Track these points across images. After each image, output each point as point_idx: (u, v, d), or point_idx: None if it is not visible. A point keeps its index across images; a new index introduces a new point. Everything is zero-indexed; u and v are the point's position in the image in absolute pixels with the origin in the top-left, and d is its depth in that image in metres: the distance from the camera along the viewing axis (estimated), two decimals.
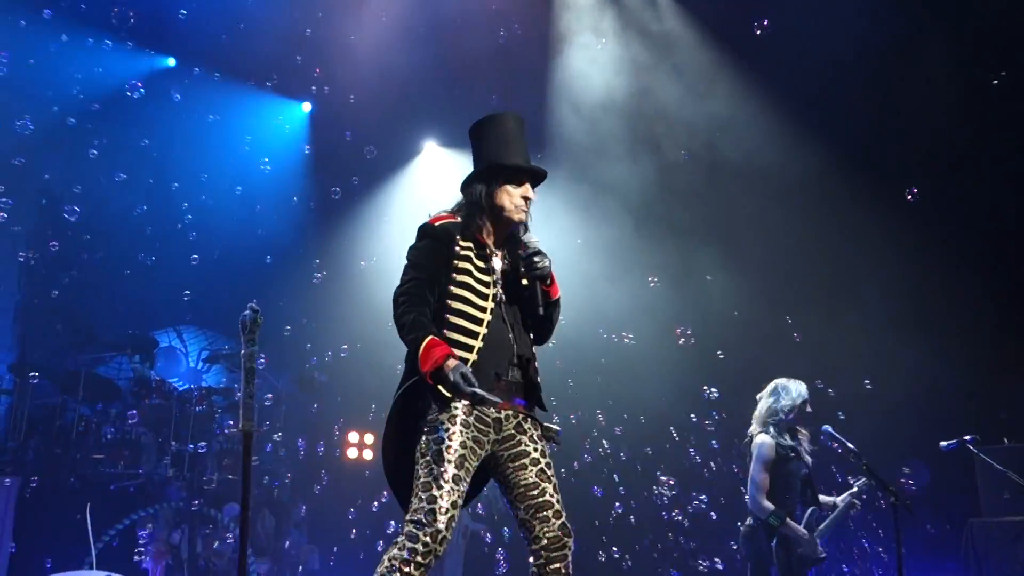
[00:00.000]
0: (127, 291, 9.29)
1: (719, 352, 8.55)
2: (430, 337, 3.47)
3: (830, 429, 6.05)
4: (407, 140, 11.16)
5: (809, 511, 5.95)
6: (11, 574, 7.37)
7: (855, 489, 6.16)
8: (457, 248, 3.66)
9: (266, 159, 10.04)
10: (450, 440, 3.46)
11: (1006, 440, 7.27)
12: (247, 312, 3.44)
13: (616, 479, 9.09)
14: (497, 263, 3.75)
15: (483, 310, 3.63)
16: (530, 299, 3.74)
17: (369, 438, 10.23)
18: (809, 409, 6.02)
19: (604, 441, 9.02)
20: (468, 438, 3.50)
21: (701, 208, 9.80)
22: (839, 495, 6.24)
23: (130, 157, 9.45)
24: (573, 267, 8.94)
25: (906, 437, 8.21)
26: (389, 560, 3.39)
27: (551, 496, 3.59)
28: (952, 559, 7.63)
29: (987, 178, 8.70)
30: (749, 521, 6.00)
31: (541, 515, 3.57)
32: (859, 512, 6.37)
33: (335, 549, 9.37)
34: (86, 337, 9.22)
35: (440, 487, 3.40)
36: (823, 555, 5.84)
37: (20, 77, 8.63)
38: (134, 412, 8.19)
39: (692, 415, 8.55)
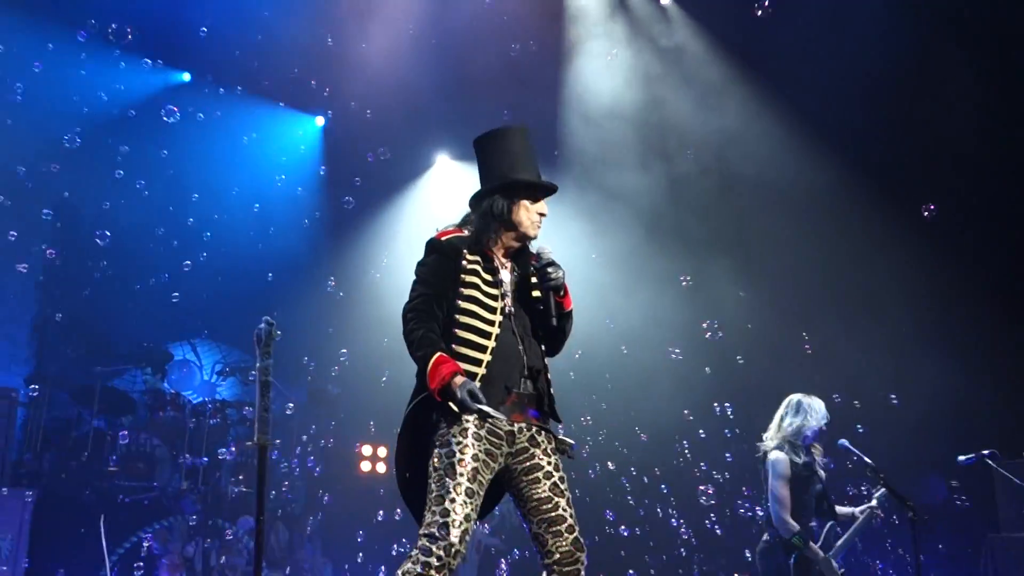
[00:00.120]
0: (142, 304, 9.33)
1: (739, 357, 8.46)
2: (438, 354, 3.48)
3: (846, 443, 6.01)
4: (419, 153, 11.19)
5: (828, 526, 5.90)
6: None
7: (874, 502, 6.10)
8: (464, 262, 3.67)
9: (282, 176, 10.10)
10: (462, 453, 3.45)
11: None
12: (262, 325, 3.46)
13: (625, 499, 9.04)
14: (505, 276, 3.76)
15: (491, 323, 3.63)
16: (543, 311, 3.74)
17: (382, 451, 10.22)
18: (825, 428, 5.98)
19: (609, 463, 8.94)
20: (480, 451, 3.49)
21: (714, 220, 9.78)
22: (856, 507, 6.18)
23: (146, 172, 9.51)
24: (584, 278, 8.92)
25: (925, 452, 8.14)
26: (403, 574, 3.38)
27: (564, 511, 3.57)
28: (970, 575, 7.56)
29: (1007, 192, 8.64)
30: (766, 537, 5.95)
31: (554, 529, 3.55)
32: (877, 525, 6.30)
33: (348, 563, 9.35)
34: (103, 350, 9.26)
35: (453, 501, 3.39)
36: (841, 572, 5.78)
37: (38, 93, 8.71)
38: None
39: (702, 431, 8.49)
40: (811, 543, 5.74)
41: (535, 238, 3.81)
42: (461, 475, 3.42)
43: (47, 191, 9.28)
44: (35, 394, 8.32)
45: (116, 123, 9.42)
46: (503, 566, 8.18)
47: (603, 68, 10.15)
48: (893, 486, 5.89)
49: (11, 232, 7.58)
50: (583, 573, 3.57)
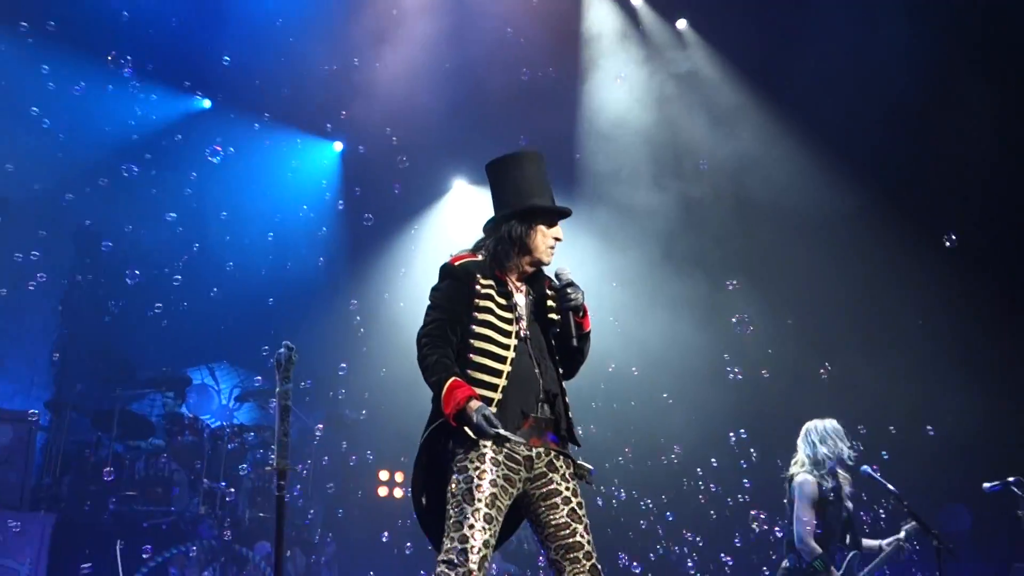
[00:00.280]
0: (162, 329, 9.37)
1: (764, 371, 8.34)
2: (452, 379, 3.48)
3: (869, 470, 5.96)
4: (437, 178, 11.23)
5: (850, 555, 5.83)
6: None
7: (902, 535, 6.02)
8: (478, 287, 3.67)
9: (305, 206, 10.17)
10: (480, 479, 3.44)
11: None
12: (282, 350, 3.46)
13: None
14: (520, 299, 3.76)
15: (506, 347, 3.62)
16: (562, 331, 3.74)
17: (399, 476, 10.20)
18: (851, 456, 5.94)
19: (622, 489, 8.86)
20: (499, 476, 3.47)
21: (731, 243, 9.74)
22: (883, 539, 6.11)
23: (166, 197, 9.59)
24: (600, 301, 8.89)
25: (949, 479, 8.04)
26: None
27: (582, 537, 3.55)
28: None
29: None
30: (786, 564, 5.90)
31: (572, 556, 3.53)
32: (906, 558, 6.22)
33: None
34: (124, 374, 9.31)
35: (472, 527, 3.37)
36: None
37: (60, 119, 8.82)
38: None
39: (713, 460, 8.40)
40: (832, 568, 5.67)
41: (549, 263, 3.82)
42: (479, 501, 3.40)
43: (68, 216, 9.39)
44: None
45: (138, 149, 9.51)
46: None
47: (618, 92, 10.18)
48: (917, 514, 5.82)
49: (33, 252, 7.64)
50: None
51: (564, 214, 3.84)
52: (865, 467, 5.97)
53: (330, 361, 9.17)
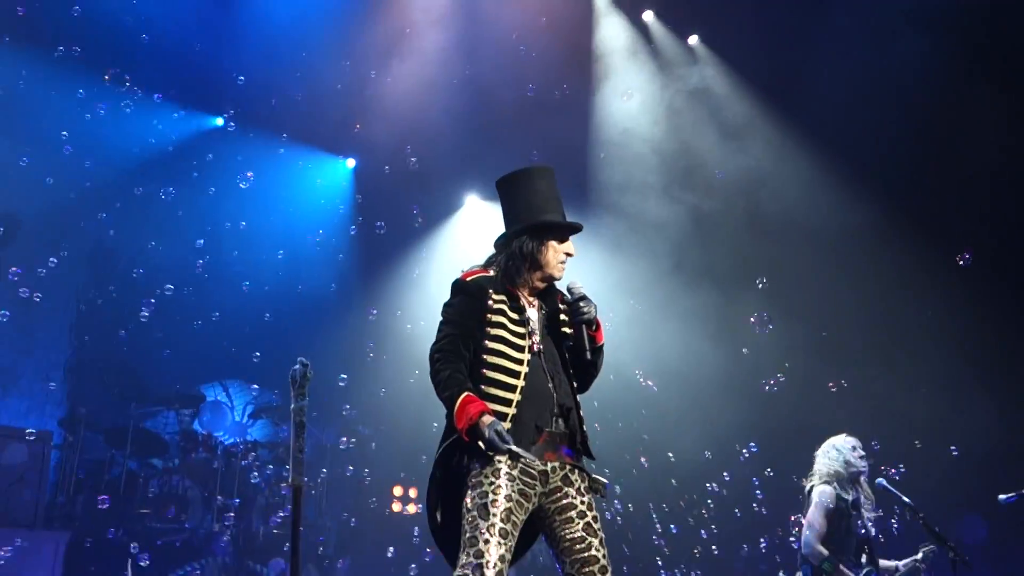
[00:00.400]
0: (175, 346, 9.42)
1: (778, 378, 8.31)
2: (465, 394, 3.48)
3: (884, 483, 5.94)
4: (449, 194, 11.26)
5: (864, 572, 5.80)
6: None
7: (919, 555, 5.99)
8: (490, 302, 3.67)
9: (320, 231, 10.22)
10: (495, 494, 3.43)
11: None
12: (297, 367, 3.47)
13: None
14: (533, 314, 3.76)
15: (520, 362, 3.62)
16: (576, 345, 3.74)
17: (413, 492, 10.19)
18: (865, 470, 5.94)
19: (629, 504, 8.83)
20: (514, 491, 3.47)
21: (742, 257, 9.72)
22: (901, 560, 6.08)
23: (180, 215, 9.65)
24: (612, 312, 8.87)
25: (965, 492, 7.98)
26: None
27: (597, 551, 3.54)
28: None
29: None
30: (799, 575, 5.89)
31: (587, 570, 3.51)
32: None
33: None
34: (137, 392, 9.35)
35: (487, 542, 3.37)
36: None
37: (70, 136, 8.89)
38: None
39: (726, 474, 8.37)
40: (842, 567, 5.65)
41: (560, 279, 3.82)
42: (494, 515, 3.40)
43: (83, 235, 9.46)
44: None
45: (151, 168, 9.58)
46: None
47: (630, 105, 10.20)
48: (932, 526, 5.79)
49: (51, 259, 7.69)
50: None
51: (575, 229, 3.84)
52: (880, 480, 5.96)
53: (344, 376, 9.19)
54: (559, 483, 3.60)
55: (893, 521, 6.21)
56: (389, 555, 8.43)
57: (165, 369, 9.69)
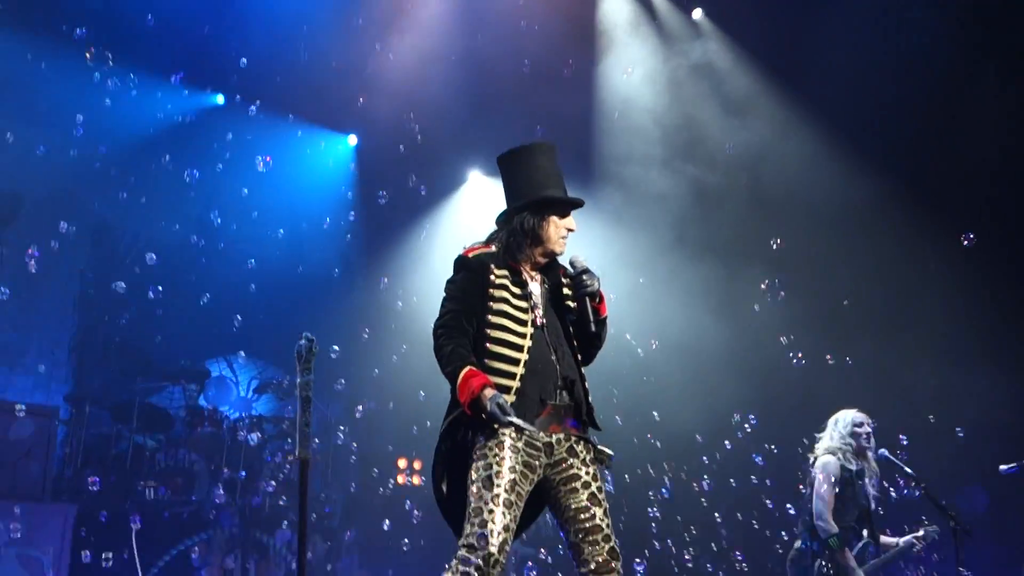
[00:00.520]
0: (180, 322, 9.45)
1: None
2: (468, 368, 3.52)
3: (886, 453, 6.00)
4: (452, 170, 11.23)
5: (862, 543, 5.87)
6: None
7: (921, 532, 6.05)
8: (492, 277, 3.70)
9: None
10: (499, 465, 3.48)
11: None
12: (302, 342, 3.50)
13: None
14: (535, 288, 3.79)
15: (522, 336, 3.65)
16: (580, 318, 3.77)
17: (417, 464, 10.26)
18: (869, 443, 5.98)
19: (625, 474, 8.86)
20: (518, 463, 3.51)
21: (743, 230, 9.71)
22: (901, 537, 6.14)
23: (182, 192, 9.65)
24: (613, 285, 8.86)
25: (970, 464, 8.02)
26: None
27: (601, 520, 3.58)
28: None
29: None
30: (798, 544, 5.97)
31: (591, 539, 3.56)
32: (924, 555, 6.24)
33: (386, 575, 9.38)
34: (142, 368, 9.39)
35: (491, 512, 3.42)
36: None
37: (72, 114, 8.88)
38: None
39: (727, 442, 8.40)
40: (846, 549, 5.71)
41: (562, 254, 3.85)
42: (498, 486, 3.45)
43: (85, 211, 9.47)
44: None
45: (153, 146, 9.57)
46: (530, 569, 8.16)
47: (634, 80, 10.15)
48: (935, 496, 5.84)
49: (62, 225, 7.71)
50: None
51: (576, 205, 3.86)
52: (883, 450, 6.01)
53: (348, 353, 9.21)
54: (564, 454, 3.64)
55: (891, 490, 6.25)
56: (385, 527, 8.48)
57: (169, 345, 9.72)
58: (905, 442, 6.89)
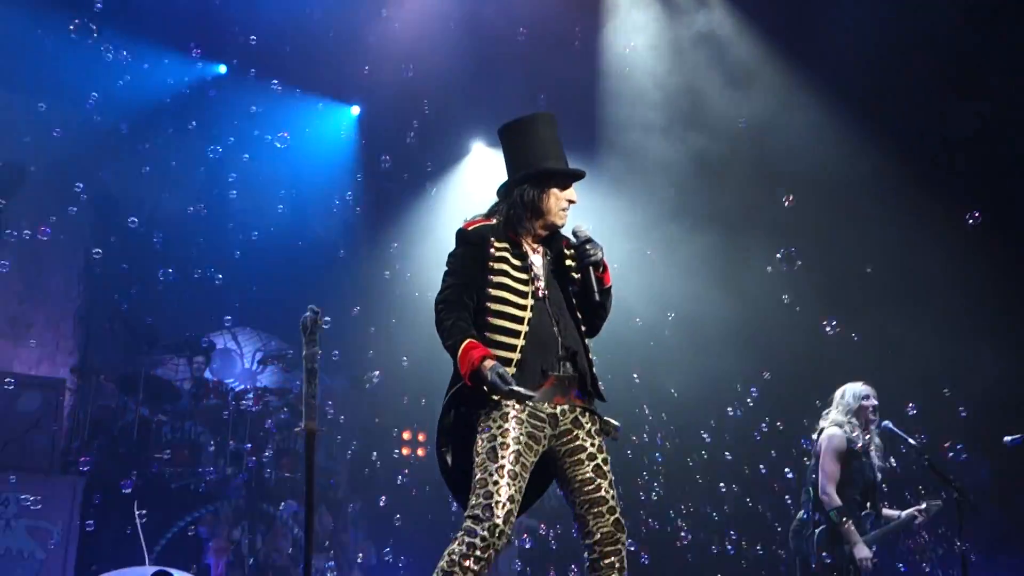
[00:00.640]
0: (185, 294, 9.47)
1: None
2: (468, 340, 3.52)
3: (890, 424, 6.00)
4: (455, 141, 11.17)
5: (864, 513, 5.89)
6: (78, 571, 7.57)
7: (923, 506, 6.07)
8: (492, 250, 3.69)
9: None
10: (504, 437, 3.48)
11: None
12: (307, 313, 3.49)
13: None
14: (537, 260, 3.78)
15: (523, 308, 3.65)
16: (584, 288, 3.76)
17: (421, 436, 10.30)
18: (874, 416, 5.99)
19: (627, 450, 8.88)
20: (522, 433, 3.51)
21: (748, 200, 9.65)
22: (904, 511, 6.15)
23: (186, 163, 9.62)
24: (620, 253, 8.82)
25: (972, 434, 8.03)
26: (449, 555, 3.42)
27: (606, 492, 3.59)
28: (1018, 556, 7.47)
29: None
30: (800, 515, 5.99)
31: (595, 511, 3.58)
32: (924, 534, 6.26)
33: (392, 546, 9.44)
34: (148, 339, 9.42)
35: (496, 483, 3.42)
36: (873, 552, 5.76)
37: (75, 84, 8.84)
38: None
39: (729, 408, 8.39)
40: (849, 523, 5.74)
41: (562, 226, 3.83)
42: (503, 458, 3.45)
43: (90, 182, 9.44)
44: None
45: (156, 115, 9.53)
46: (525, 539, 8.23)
47: (636, 47, 10.06)
48: (938, 467, 5.86)
49: (71, 207, 7.71)
50: (624, 554, 3.59)
51: (577, 176, 3.84)
52: (887, 422, 6.02)
53: (353, 325, 9.23)
54: (569, 426, 3.64)
55: (893, 461, 6.26)
56: (381, 504, 8.52)
57: (174, 317, 9.74)
58: (914, 412, 6.88)
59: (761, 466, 8.04)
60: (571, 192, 3.81)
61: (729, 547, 8.31)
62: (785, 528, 6.80)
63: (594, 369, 3.76)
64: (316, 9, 9.89)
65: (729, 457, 8.60)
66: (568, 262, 3.81)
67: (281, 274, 9.74)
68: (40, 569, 7.51)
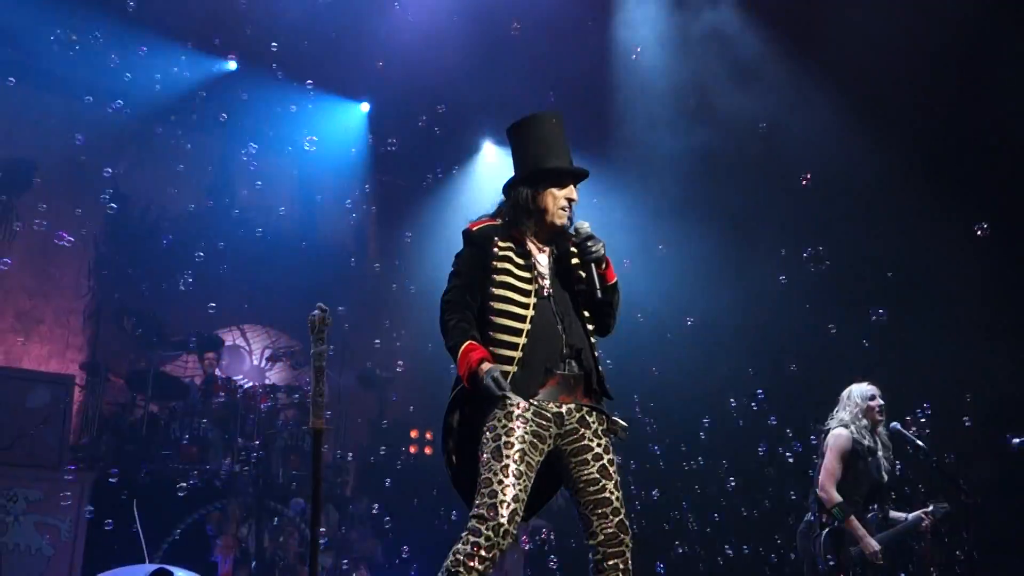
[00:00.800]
0: (194, 291, 9.50)
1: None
2: (468, 342, 3.54)
3: (898, 426, 5.98)
4: (466, 140, 11.16)
5: (870, 515, 5.86)
6: (85, 566, 7.60)
7: (930, 508, 6.04)
8: (496, 250, 3.70)
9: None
10: (508, 436, 3.48)
11: None
12: (315, 312, 3.49)
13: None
14: (542, 259, 3.78)
15: (526, 306, 3.65)
16: (587, 285, 3.75)
17: (429, 435, 10.31)
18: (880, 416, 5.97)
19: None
20: (527, 432, 3.51)
21: (755, 197, 9.62)
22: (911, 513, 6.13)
23: (196, 161, 9.64)
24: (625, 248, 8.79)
25: (981, 436, 7.99)
26: (454, 555, 3.42)
27: (611, 493, 3.58)
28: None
29: None
30: (808, 516, 5.97)
31: (600, 511, 3.57)
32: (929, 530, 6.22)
33: (398, 544, 9.45)
34: (157, 337, 9.45)
35: (501, 482, 3.42)
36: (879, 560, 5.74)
37: (85, 81, 8.86)
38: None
39: (732, 399, 8.35)
40: (852, 518, 5.71)
41: (562, 225, 3.80)
42: (508, 457, 3.45)
43: (100, 179, 9.48)
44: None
45: (166, 112, 9.55)
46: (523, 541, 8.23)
47: (643, 41, 10.02)
48: (946, 468, 5.83)
49: (76, 209, 7.74)
50: (628, 555, 3.58)
51: (575, 174, 3.83)
52: (895, 423, 6.00)
53: (360, 322, 9.24)
54: (575, 425, 3.63)
55: (898, 463, 6.24)
56: (388, 502, 8.51)
57: (183, 314, 9.76)
58: (929, 410, 6.83)
59: (768, 468, 8.02)
60: (570, 191, 3.79)
61: (744, 548, 8.30)
62: (793, 529, 6.78)
63: (600, 367, 3.75)
64: (324, 6, 9.89)
65: (727, 463, 8.59)
66: (574, 260, 3.81)
67: (290, 271, 9.76)
68: (48, 564, 7.54)
